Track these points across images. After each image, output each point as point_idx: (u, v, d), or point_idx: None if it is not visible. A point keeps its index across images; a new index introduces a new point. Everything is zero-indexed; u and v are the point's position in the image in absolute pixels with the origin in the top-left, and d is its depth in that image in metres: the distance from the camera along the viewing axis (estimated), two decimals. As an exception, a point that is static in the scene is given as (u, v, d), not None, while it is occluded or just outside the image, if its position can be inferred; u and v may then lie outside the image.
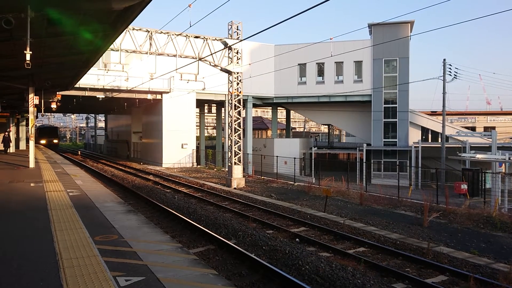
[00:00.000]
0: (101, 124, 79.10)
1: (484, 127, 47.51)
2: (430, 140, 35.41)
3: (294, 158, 26.04)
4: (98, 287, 4.69)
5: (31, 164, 19.07)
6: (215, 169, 30.61)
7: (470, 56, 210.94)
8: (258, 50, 35.06)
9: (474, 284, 7.54)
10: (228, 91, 22.14)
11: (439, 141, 32.38)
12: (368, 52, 33.83)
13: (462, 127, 40.73)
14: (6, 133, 30.20)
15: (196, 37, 21.94)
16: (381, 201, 16.81)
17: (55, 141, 56.78)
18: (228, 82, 22.03)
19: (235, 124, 21.97)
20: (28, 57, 9.07)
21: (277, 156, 25.77)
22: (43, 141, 52.91)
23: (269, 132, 58.01)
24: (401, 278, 8.05)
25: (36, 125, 40.92)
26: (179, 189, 20.11)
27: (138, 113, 40.90)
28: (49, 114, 66.44)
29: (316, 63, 35.44)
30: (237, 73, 21.64)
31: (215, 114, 46.87)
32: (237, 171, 21.47)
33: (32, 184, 13.18)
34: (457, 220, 13.25)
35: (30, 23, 8.34)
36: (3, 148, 29.00)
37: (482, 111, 53.65)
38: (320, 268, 7.93)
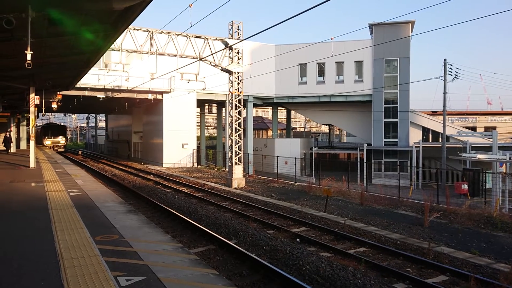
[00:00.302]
0: (102, 124, 79.16)
1: (485, 127, 47.51)
2: (430, 140, 35.40)
3: (295, 158, 26.05)
4: (99, 287, 4.69)
5: (32, 164, 19.09)
6: (216, 169, 30.62)
7: (470, 56, 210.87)
8: (258, 50, 35.06)
9: (474, 284, 7.54)
10: (229, 91, 22.15)
11: (440, 141, 32.37)
12: (369, 52, 33.82)
13: (463, 127, 40.71)
14: (7, 133, 30.23)
15: (197, 37, 21.95)
16: (381, 201, 16.81)
17: (62, 141, 48.38)
18: (229, 82, 22.04)
19: (236, 124, 21.98)
20: (29, 57, 9.09)
21: (277, 156, 25.77)
22: (48, 142, 46.18)
23: (270, 132, 58.01)
24: (402, 278, 8.05)
25: (37, 124, 39.73)
26: (180, 189, 20.12)
27: (138, 113, 40.92)
28: (50, 114, 65.61)
29: (317, 63, 35.44)
30: (238, 73, 21.64)
31: (215, 114, 46.89)
32: (238, 171, 21.47)
33: (33, 184, 13.19)
34: (457, 220, 13.24)
35: (31, 23, 8.35)
36: (5, 148, 29.03)
37: (483, 111, 53.66)
38: (321, 268, 7.93)
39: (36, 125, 23.18)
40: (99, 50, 13.54)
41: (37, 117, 29.12)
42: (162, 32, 21.22)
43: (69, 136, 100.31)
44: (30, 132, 20.24)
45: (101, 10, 9.11)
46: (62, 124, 60.46)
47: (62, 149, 46.46)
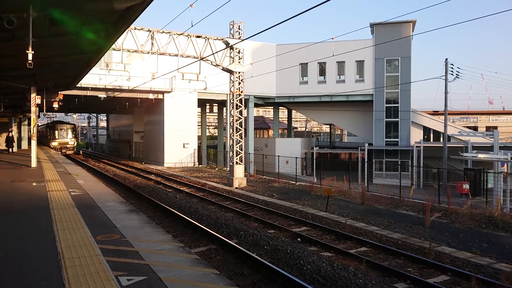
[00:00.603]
0: (103, 124, 79.22)
1: (486, 126, 47.44)
2: (432, 140, 35.36)
3: (296, 157, 26.04)
4: (100, 286, 4.70)
5: (33, 164, 19.11)
6: (217, 169, 30.63)
7: (472, 55, 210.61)
8: (259, 49, 35.05)
9: (476, 284, 7.53)
10: (230, 90, 22.14)
11: (441, 140, 32.32)
12: (370, 51, 33.80)
13: (464, 126, 40.67)
14: (10, 133, 30.24)
15: (198, 36, 21.93)
16: (382, 200, 16.80)
17: (72, 143, 41.30)
18: (230, 82, 22.03)
19: (237, 124, 21.98)
20: (30, 57, 9.09)
21: (278, 156, 25.77)
22: (54, 143, 39.78)
23: (271, 132, 58.02)
24: (403, 278, 8.05)
25: (38, 124, 37.59)
26: (181, 188, 20.13)
27: (139, 113, 40.94)
28: (51, 113, 65.32)
29: (318, 62, 35.41)
30: (239, 72, 21.64)
31: (216, 114, 46.89)
32: (239, 171, 21.47)
33: (34, 184, 13.20)
34: (459, 220, 13.23)
35: (32, 23, 8.35)
36: (7, 148, 29.02)
37: (484, 110, 53.56)
38: (322, 268, 7.94)
39: (38, 124, 23.11)
40: (101, 50, 13.54)
41: (38, 116, 29.03)
42: (163, 32, 21.21)
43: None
44: (31, 132, 20.26)
45: (102, 10, 9.11)
46: (70, 122, 51.62)
47: (72, 152, 40.85)
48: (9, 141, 29.09)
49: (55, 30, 9.99)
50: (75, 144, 42.34)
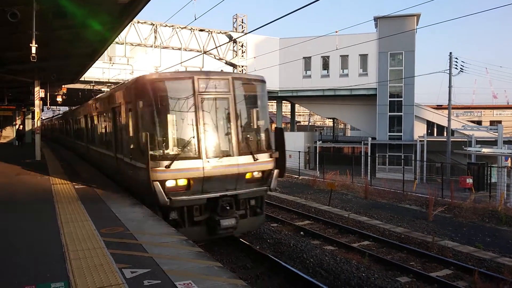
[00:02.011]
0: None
1: (490, 121, 47.18)
2: (435, 134, 35.24)
3: (299, 151, 26.02)
4: (104, 279, 4.73)
5: (37, 157, 19.17)
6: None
7: (476, 49, 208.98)
8: (263, 43, 34.79)
9: (478, 278, 7.54)
10: (233, 84, 22.09)
11: (445, 135, 32.20)
12: (374, 45, 33.57)
13: (468, 121, 40.49)
14: (20, 126, 30.27)
15: (201, 30, 21.90)
16: (385, 195, 16.80)
17: (266, 166, 9.49)
18: (233, 76, 21.98)
19: (240, 118, 21.94)
20: (33, 50, 9.09)
21: (281, 150, 25.67)
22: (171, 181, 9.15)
23: (274, 126, 57.87)
24: (406, 272, 8.06)
25: (47, 115, 33.45)
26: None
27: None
28: (54, 107, 65.02)
29: (321, 56, 35.22)
30: (242, 66, 21.60)
31: (219, 108, 46.72)
32: (242, 165, 21.44)
33: (38, 177, 13.26)
34: (462, 214, 13.21)
35: (35, 16, 8.34)
36: (19, 141, 29.02)
37: (488, 105, 53.24)
38: (325, 262, 7.96)
39: (42, 118, 23.04)
40: (104, 43, 13.56)
41: (42, 110, 28.88)
42: (166, 25, 21.20)
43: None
44: (35, 125, 20.31)
45: (105, 3, 9.10)
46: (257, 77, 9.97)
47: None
48: (20, 135, 29.14)
49: (58, 23, 9.99)
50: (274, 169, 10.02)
